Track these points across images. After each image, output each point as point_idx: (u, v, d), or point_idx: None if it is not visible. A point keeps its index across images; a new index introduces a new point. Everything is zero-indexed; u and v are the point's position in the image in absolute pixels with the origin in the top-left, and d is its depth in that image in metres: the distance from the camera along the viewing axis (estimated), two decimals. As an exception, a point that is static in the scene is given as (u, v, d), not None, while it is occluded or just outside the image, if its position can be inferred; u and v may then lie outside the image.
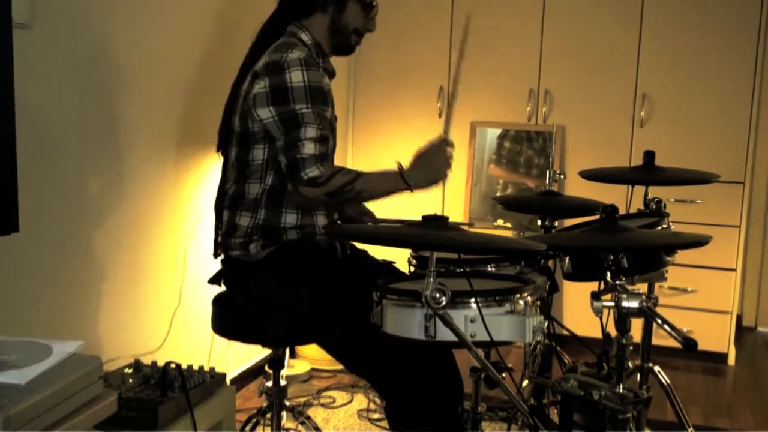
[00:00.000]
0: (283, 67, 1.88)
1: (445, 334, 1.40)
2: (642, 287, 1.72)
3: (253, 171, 1.96)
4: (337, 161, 2.17)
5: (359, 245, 2.15)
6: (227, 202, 2.03)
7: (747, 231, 3.73)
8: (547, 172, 2.46)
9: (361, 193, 1.91)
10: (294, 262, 1.95)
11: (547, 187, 2.44)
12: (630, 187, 2.68)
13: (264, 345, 2.16)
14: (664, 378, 2.35)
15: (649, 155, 2.35)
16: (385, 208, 2.19)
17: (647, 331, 2.35)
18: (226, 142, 2.06)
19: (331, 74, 2.09)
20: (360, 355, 1.87)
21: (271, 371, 2.10)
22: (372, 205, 2.20)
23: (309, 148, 1.86)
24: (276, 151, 1.93)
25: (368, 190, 1.92)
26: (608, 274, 1.75)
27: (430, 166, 1.96)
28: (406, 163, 1.97)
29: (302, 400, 3.06)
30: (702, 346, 1.54)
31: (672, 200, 3.42)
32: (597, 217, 1.75)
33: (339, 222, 2.12)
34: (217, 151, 2.11)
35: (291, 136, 1.87)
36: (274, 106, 1.89)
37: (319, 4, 2.03)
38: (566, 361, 2.37)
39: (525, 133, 3.85)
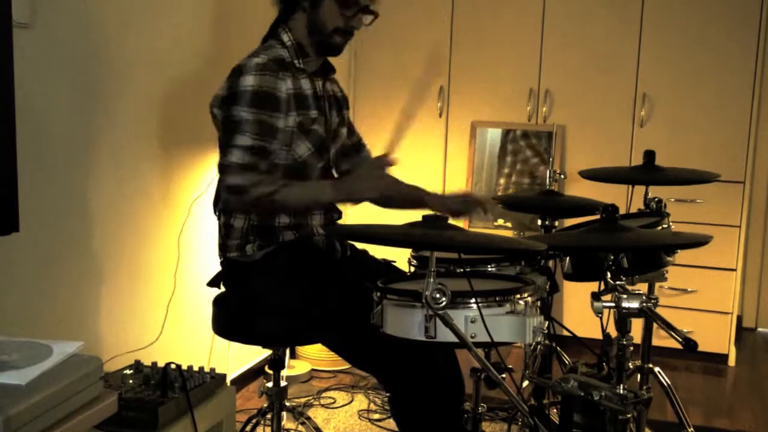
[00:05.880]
0: (240, 71, 1.91)
1: (445, 335, 1.40)
2: (642, 287, 1.72)
3: None
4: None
5: (359, 245, 2.14)
6: (221, 205, 2.03)
7: (747, 231, 3.72)
8: (548, 171, 2.46)
9: (284, 204, 1.91)
10: (292, 263, 1.95)
11: (547, 187, 2.44)
12: (630, 186, 2.68)
13: (264, 345, 2.16)
14: (664, 378, 2.35)
15: (650, 155, 2.35)
16: (384, 208, 2.19)
17: (647, 332, 2.35)
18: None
19: (315, 73, 2.07)
20: (362, 353, 1.87)
21: (271, 372, 2.10)
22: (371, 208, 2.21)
23: (236, 156, 1.87)
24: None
25: (290, 201, 1.91)
26: (608, 274, 1.75)
27: (360, 182, 1.92)
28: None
29: (302, 400, 3.06)
30: (702, 346, 1.54)
31: (672, 200, 3.42)
32: (597, 216, 1.75)
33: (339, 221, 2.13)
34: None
35: (226, 140, 1.90)
36: (221, 108, 1.93)
37: (297, 2, 2.02)
38: (566, 361, 2.37)
39: (525, 133, 3.85)
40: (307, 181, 2.02)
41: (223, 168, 1.88)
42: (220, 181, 1.96)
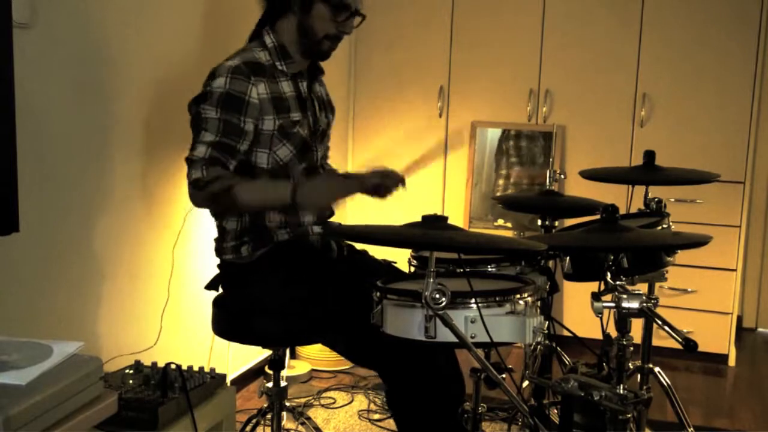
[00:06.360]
0: (214, 74, 1.94)
1: (445, 335, 1.40)
2: (642, 287, 1.72)
3: None
4: (338, 161, 2.17)
5: (359, 245, 2.14)
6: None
7: (747, 231, 3.72)
8: (548, 171, 2.46)
9: (241, 202, 1.89)
10: (288, 263, 1.95)
11: (547, 187, 2.44)
12: (630, 186, 2.68)
13: (264, 346, 2.16)
14: (664, 378, 2.35)
15: (650, 155, 2.35)
16: (383, 208, 2.19)
17: (647, 332, 2.35)
18: None
19: (300, 75, 2.06)
20: (362, 351, 1.87)
21: (271, 372, 2.10)
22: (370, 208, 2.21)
23: (199, 151, 1.89)
24: (245, 155, 1.95)
25: (247, 200, 1.89)
26: (608, 274, 1.75)
27: (327, 190, 1.91)
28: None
29: (302, 400, 3.06)
30: (702, 346, 1.54)
31: (672, 200, 3.42)
32: (597, 216, 1.75)
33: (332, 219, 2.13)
34: None
35: (193, 137, 1.93)
36: (193, 104, 1.95)
37: (287, 5, 2.01)
38: (566, 361, 2.37)
39: (525, 133, 3.85)
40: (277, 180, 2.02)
41: (188, 162, 1.90)
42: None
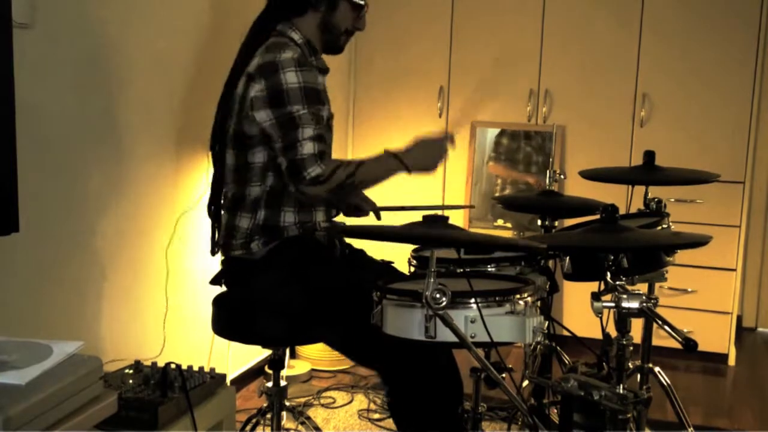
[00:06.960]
0: (277, 69, 1.89)
1: (445, 335, 1.40)
2: (642, 287, 1.72)
3: (254, 174, 1.97)
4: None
5: (357, 245, 2.15)
6: (227, 204, 2.04)
7: (747, 231, 3.72)
8: (547, 171, 2.46)
9: (362, 183, 1.95)
10: (294, 260, 1.96)
11: (547, 187, 2.44)
12: (630, 186, 2.68)
13: (264, 345, 2.16)
14: (664, 378, 2.36)
15: (650, 155, 2.35)
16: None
17: (647, 332, 2.35)
18: (221, 143, 2.05)
19: (324, 71, 2.09)
20: (362, 350, 1.87)
21: (271, 371, 2.10)
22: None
23: (308, 148, 1.87)
24: (275, 153, 1.93)
25: (368, 179, 1.96)
26: (608, 274, 1.75)
27: (426, 154, 2.02)
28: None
29: (302, 400, 3.06)
30: (702, 346, 1.54)
31: (672, 200, 3.42)
32: (597, 216, 1.75)
33: (336, 219, 2.13)
34: (210, 149, 2.09)
35: (289, 138, 1.88)
36: (271, 108, 1.89)
37: (311, 2, 2.03)
38: (566, 361, 2.37)
39: (525, 132, 3.85)
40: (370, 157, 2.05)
41: (298, 163, 1.87)
42: (245, 181, 1.97)
